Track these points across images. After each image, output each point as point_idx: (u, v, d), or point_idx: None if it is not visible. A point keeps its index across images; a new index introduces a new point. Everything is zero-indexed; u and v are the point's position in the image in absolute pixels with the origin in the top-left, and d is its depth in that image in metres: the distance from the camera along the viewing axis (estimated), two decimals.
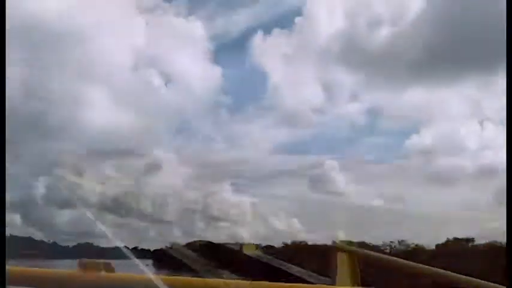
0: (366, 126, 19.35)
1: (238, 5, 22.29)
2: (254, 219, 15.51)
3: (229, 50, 22.26)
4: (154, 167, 18.03)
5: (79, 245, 14.94)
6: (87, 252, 13.27)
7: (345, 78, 20.72)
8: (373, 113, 20.53)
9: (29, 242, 13.33)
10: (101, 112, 15.55)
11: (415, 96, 19.50)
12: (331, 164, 17.71)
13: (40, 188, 14.43)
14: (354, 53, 19.57)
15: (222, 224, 15.42)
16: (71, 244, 16.01)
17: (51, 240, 15.82)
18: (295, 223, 14.92)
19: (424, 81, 18.72)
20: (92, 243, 14.01)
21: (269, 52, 21.40)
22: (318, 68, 21.08)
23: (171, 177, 17.51)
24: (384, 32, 19.69)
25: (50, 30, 14.82)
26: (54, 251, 14.42)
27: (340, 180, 17.65)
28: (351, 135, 20.50)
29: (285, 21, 23.00)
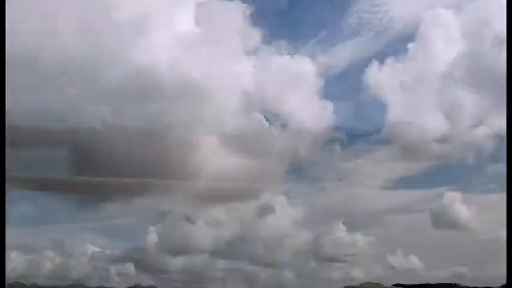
0: (492, 152, 17.28)
1: (339, 40, 21.88)
2: (370, 259, 14.80)
3: (340, 83, 21.83)
4: (265, 210, 17.88)
5: None
6: None
7: (469, 103, 18.85)
8: (502, 138, 18.18)
9: None
10: (212, 157, 15.97)
11: None
12: (452, 195, 16.09)
13: (153, 236, 15.23)
14: (477, 75, 17.77)
15: (336, 264, 14.80)
16: None
17: None
18: (415, 260, 13.90)
19: None
20: None
21: (384, 82, 20.31)
22: (440, 94, 19.46)
23: (283, 219, 17.20)
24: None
25: (161, 82, 15.89)
26: None
27: (463, 212, 15.91)
28: (476, 164, 18.52)
29: (397, 48, 21.91)
